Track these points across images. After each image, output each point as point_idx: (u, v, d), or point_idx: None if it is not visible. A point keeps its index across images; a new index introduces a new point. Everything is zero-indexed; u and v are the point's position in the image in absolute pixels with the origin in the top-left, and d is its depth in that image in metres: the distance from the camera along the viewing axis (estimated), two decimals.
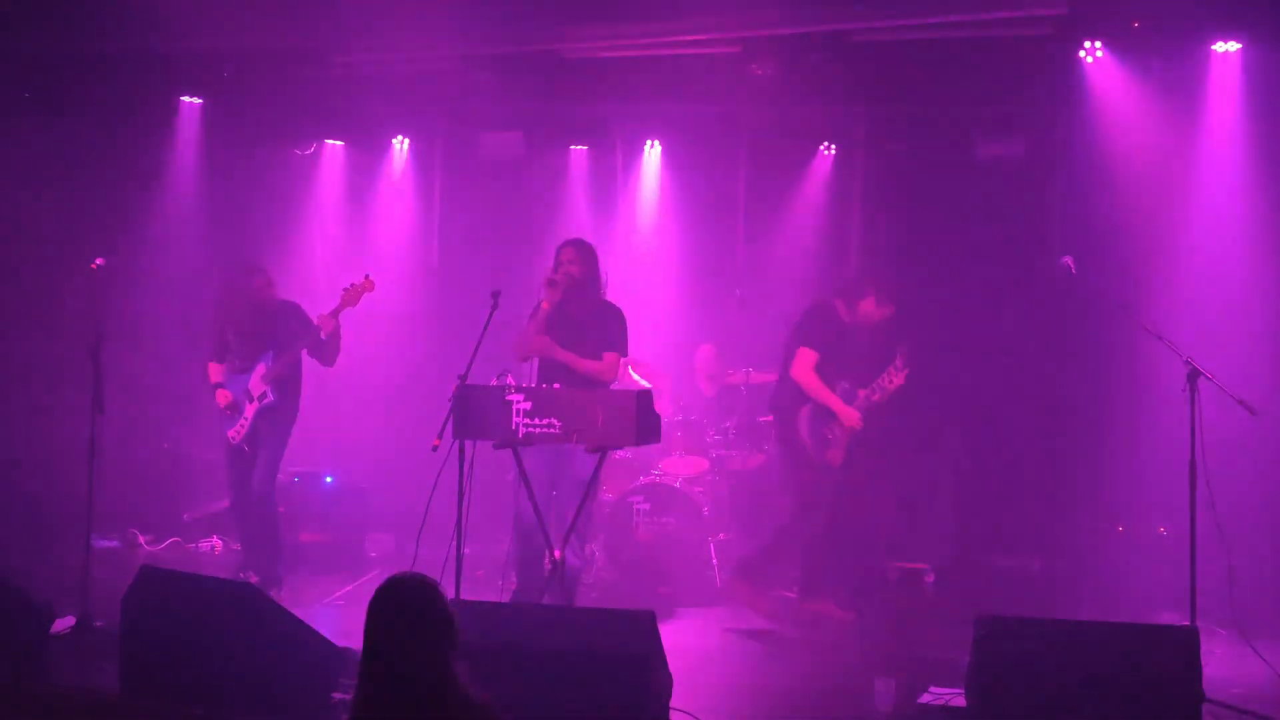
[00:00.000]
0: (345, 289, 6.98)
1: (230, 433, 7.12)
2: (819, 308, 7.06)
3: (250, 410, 7.06)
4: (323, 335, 7.00)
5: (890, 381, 6.77)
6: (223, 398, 7.12)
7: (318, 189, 9.87)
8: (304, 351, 7.08)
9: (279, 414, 7.08)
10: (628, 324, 6.40)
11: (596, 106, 9.28)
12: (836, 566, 7.04)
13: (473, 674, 3.14)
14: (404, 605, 3.15)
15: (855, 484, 7.07)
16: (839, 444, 6.82)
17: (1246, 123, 7.80)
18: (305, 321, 7.07)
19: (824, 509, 6.84)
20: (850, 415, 6.81)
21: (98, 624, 5.89)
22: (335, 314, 6.99)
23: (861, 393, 6.84)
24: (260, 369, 7.05)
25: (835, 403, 6.80)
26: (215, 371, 7.23)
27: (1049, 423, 8.45)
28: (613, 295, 7.84)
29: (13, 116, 8.57)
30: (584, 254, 6.32)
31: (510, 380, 6.02)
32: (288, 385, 7.10)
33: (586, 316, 6.27)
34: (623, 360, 6.48)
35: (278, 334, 7.06)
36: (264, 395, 7.03)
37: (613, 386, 6.39)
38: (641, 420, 5.51)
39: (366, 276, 7.02)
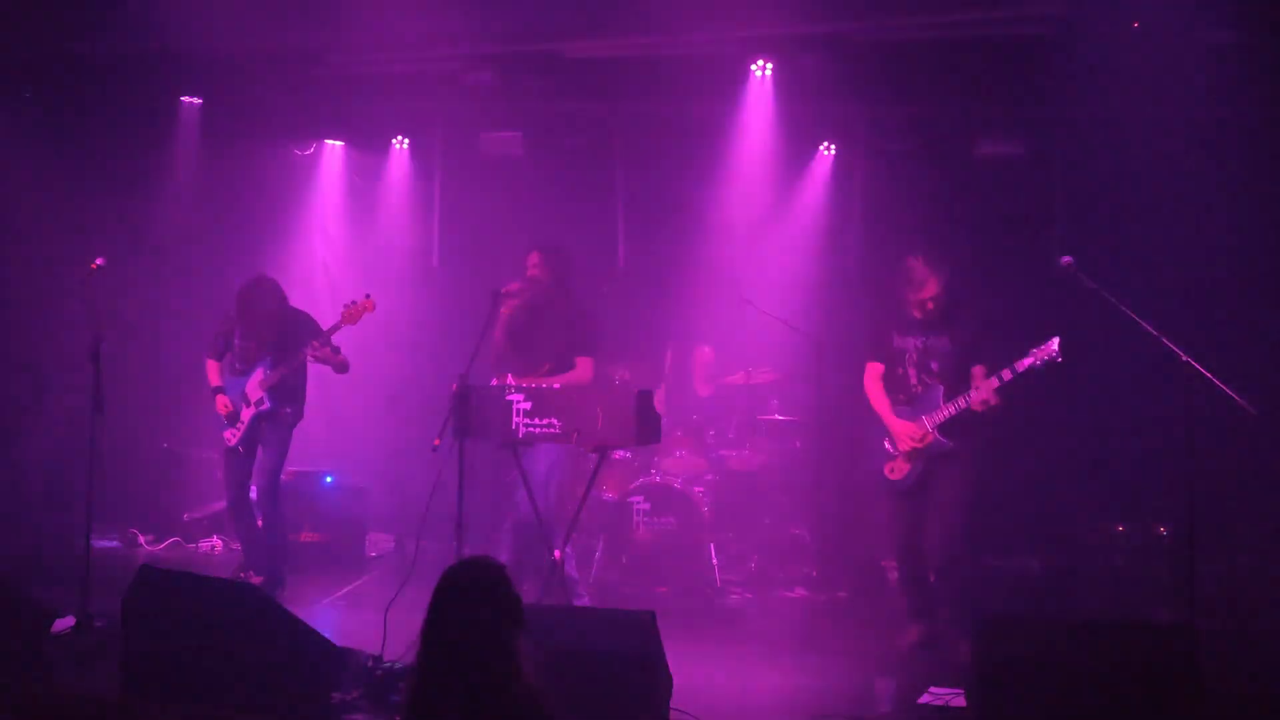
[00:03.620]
0: (345, 306, 6.95)
1: (226, 434, 7.13)
2: (881, 309, 6.51)
3: (246, 415, 7.07)
4: (321, 355, 6.97)
5: (974, 395, 5.98)
6: (222, 406, 7.11)
7: (318, 189, 9.87)
8: (311, 359, 7.04)
9: (278, 418, 7.08)
10: (599, 324, 6.44)
11: (596, 106, 9.28)
12: (918, 591, 6.36)
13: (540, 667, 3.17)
14: (469, 585, 3.20)
15: (934, 502, 6.22)
16: (894, 458, 6.26)
17: (1243, 120, 7.80)
18: (314, 332, 7.06)
19: (894, 528, 6.36)
20: (900, 430, 6.20)
21: (98, 624, 5.89)
22: (333, 332, 6.98)
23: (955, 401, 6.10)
24: (258, 374, 7.05)
25: (888, 418, 6.26)
26: (213, 371, 7.22)
27: (1049, 422, 8.45)
28: (613, 295, 7.87)
29: (13, 116, 8.57)
30: (549, 259, 6.35)
31: (510, 380, 6.03)
32: (288, 391, 7.09)
33: (556, 321, 6.28)
34: (593, 360, 6.45)
35: (281, 342, 7.05)
36: (260, 401, 7.04)
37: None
38: (641, 420, 5.52)
39: (368, 296, 6.98)
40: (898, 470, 6.25)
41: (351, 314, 6.92)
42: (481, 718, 3.08)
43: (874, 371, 6.39)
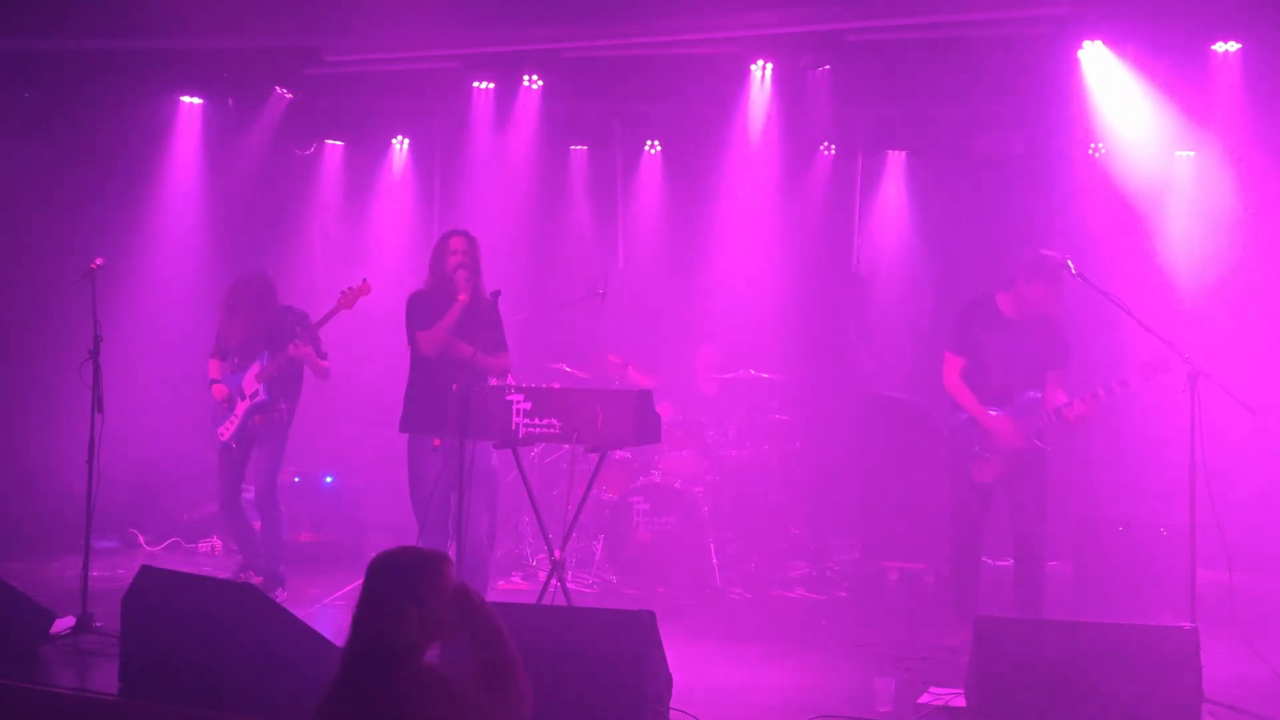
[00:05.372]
0: (342, 292, 6.94)
1: (220, 429, 7.12)
2: (969, 304, 6.34)
3: (241, 408, 7.06)
4: (301, 353, 6.97)
5: (1074, 410, 5.92)
6: (219, 392, 7.12)
7: (318, 189, 9.87)
8: (292, 353, 7.02)
9: (273, 413, 7.05)
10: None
11: (596, 106, 9.29)
12: (969, 590, 6.29)
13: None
14: (385, 570, 3.23)
15: (1015, 503, 6.20)
16: (987, 459, 6.13)
17: (1245, 122, 7.81)
18: (305, 325, 7.06)
19: (965, 525, 6.26)
20: (1002, 429, 6.07)
21: (98, 624, 5.89)
22: (328, 318, 6.98)
23: (1072, 403, 6.00)
24: (255, 368, 7.05)
25: (983, 415, 6.10)
26: (214, 368, 7.24)
27: (1049, 422, 8.43)
28: (613, 295, 7.85)
29: (13, 116, 8.57)
30: (472, 244, 6.35)
31: (510, 380, 6.03)
32: (283, 385, 7.08)
33: (480, 310, 6.24)
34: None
35: (273, 334, 7.05)
36: (256, 393, 7.03)
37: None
38: (641, 420, 5.51)
39: (364, 280, 6.97)
40: (988, 471, 6.14)
41: (348, 298, 6.90)
42: (370, 699, 3.08)
43: (956, 365, 6.21)
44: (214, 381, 7.18)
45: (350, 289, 6.91)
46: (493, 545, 6.64)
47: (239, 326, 7.10)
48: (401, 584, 3.19)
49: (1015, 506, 6.20)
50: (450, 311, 6.15)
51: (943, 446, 6.95)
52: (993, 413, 6.12)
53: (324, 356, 7.09)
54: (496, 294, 6.06)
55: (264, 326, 7.07)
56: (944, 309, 8.54)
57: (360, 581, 3.24)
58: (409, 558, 3.28)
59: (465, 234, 6.42)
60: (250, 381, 7.06)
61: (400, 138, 9.81)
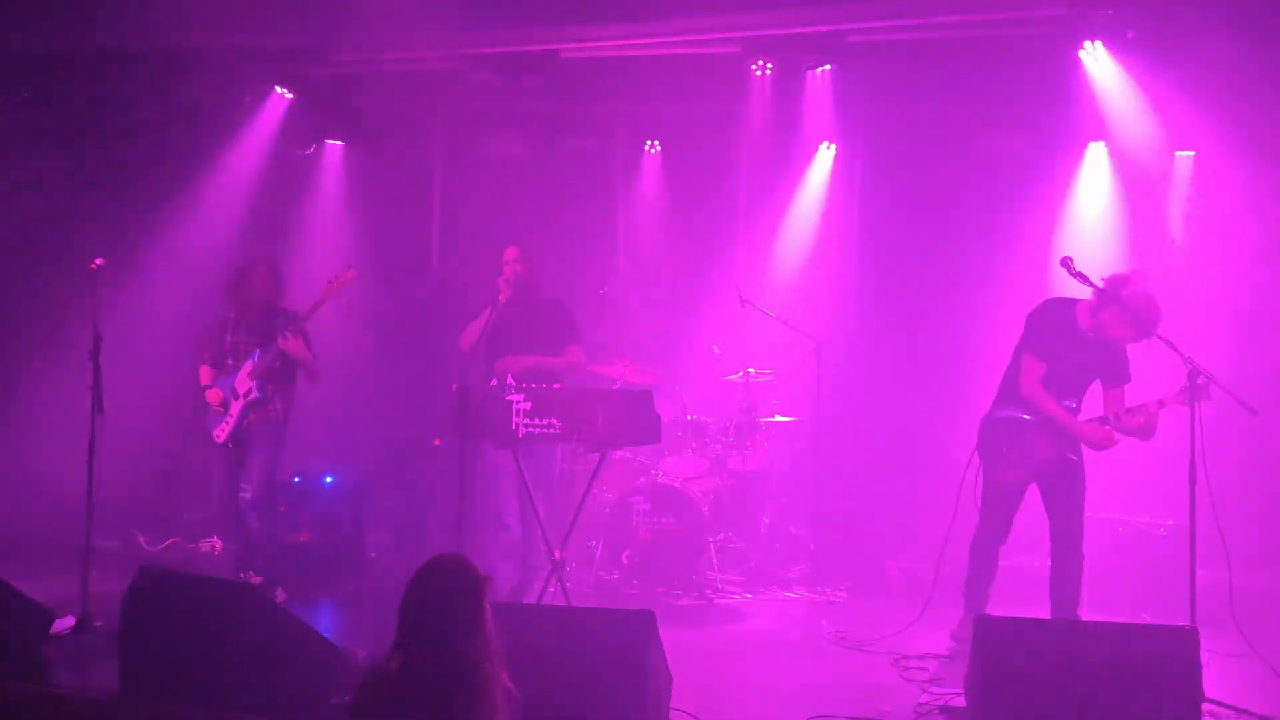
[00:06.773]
0: (328, 280, 6.95)
1: (215, 431, 7.11)
2: (1051, 310, 6.18)
3: (236, 407, 7.04)
4: (290, 346, 6.97)
5: (1147, 414, 5.85)
6: (213, 396, 7.12)
7: (318, 189, 9.87)
8: (281, 345, 7.01)
9: (267, 411, 7.04)
10: (575, 312, 6.73)
11: (596, 106, 9.29)
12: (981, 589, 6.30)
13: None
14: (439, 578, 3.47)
15: (1055, 511, 6.13)
16: (1014, 460, 6.11)
17: (1242, 120, 7.81)
18: (294, 319, 7.06)
19: (992, 521, 6.21)
20: (1093, 435, 5.97)
21: (98, 624, 5.90)
22: (316, 308, 6.98)
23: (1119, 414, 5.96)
24: (247, 366, 7.05)
25: (1069, 421, 6.01)
26: (205, 375, 7.22)
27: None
28: (613, 295, 7.87)
29: (13, 116, 8.56)
30: (525, 251, 6.56)
31: (510, 380, 6.04)
32: (276, 383, 7.06)
33: (537, 314, 6.40)
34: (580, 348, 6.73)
35: (269, 330, 7.05)
36: (249, 391, 7.02)
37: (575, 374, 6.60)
38: (641, 420, 5.52)
39: (348, 267, 6.99)
40: (1012, 473, 6.11)
41: (334, 287, 6.91)
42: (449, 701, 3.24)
43: (1036, 371, 6.07)
44: (207, 388, 7.17)
45: (335, 277, 6.92)
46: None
47: (244, 310, 7.10)
48: (471, 591, 3.42)
49: (1054, 513, 6.12)
50: (481, 315, 6.24)
51: (943, 445, 6.97)
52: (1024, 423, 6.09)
53: (311, 350, 7.08)
54: (496, 294, 6.12)
55: (262, 315, 7.07)
56: (944, 308, 8.55)
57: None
58: (469, 567, 3.49)
59: (518, 242, 6.68)
60: (243, 380, 7.05)
61: (402, 137, 9.80)
